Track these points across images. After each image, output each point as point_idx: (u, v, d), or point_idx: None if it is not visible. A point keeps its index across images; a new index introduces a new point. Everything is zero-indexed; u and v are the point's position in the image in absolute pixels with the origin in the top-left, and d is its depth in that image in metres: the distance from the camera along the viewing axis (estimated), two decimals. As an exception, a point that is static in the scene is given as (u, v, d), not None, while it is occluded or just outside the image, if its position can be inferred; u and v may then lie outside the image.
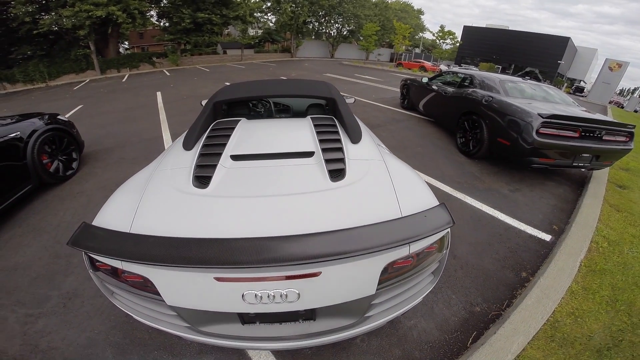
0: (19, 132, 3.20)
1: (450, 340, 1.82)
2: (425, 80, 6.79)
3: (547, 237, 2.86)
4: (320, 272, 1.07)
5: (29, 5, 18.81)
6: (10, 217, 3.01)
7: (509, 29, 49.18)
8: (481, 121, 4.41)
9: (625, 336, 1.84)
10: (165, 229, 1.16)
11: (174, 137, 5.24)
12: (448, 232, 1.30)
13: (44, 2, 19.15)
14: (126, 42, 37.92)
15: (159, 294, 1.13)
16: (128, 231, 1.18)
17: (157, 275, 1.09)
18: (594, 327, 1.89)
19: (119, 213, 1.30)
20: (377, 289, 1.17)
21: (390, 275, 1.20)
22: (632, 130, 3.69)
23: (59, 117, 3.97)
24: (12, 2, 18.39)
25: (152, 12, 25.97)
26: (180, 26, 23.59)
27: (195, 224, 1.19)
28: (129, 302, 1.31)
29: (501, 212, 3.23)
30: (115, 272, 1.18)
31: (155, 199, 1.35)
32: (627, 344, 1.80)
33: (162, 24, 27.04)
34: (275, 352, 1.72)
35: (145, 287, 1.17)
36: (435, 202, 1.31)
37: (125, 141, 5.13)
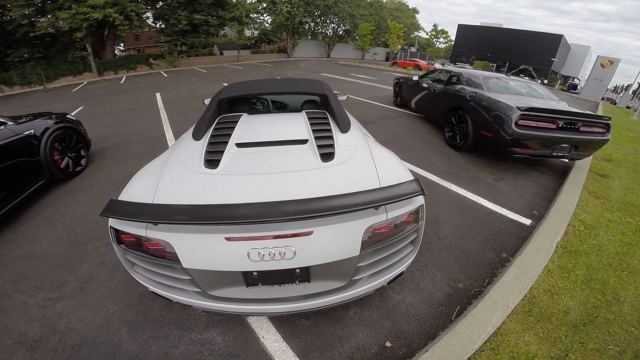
0: (32, 130, 3.37)
1: (436, 313, 1.97)
2: (416, 78, 6.98)
3: (527, 222, 3.05)
4: (312, 232, 1.28)
5: (25, 8, 18.73)
6: (25, 211, 3.17)
7: (503, 27, 48.97)
8: (466, 115, 4.62)
9: (600, 313, 1.97)
10: (183, 200, 1.37)
11: (176, 135, 5.39)
12: (423, 205, 1.51)
13: (40, 4, 19.08)
14: (122, 44, 37.69)
15: (177, 259, 1.31)
16: (151, 202, 1.39)
17: (177, 238, 1.28)
18: (569, 303, 2.02)
19: (142, 190, 1.51)
20: (361, 251, 1.37)
21: (372, 239, 1.40)
22: (608, 122, 3.91)
23: (67, 116, 4.15)
24: (9, 5, 18.31)
25: (148, 14, 25.91)
26: (176, 28, 23.51)
27: (208, 195, 1.41)
28: (147, 272, 1.49)
29: (484, 198, 3.41)
30: (138, 242, 1.36)
31: (172, 178, 1.56)
32: (602, 320, 1.92)
33: (158, 25, 26.95)
34: (276, 324, 1.87)
35: (165, 253, 1.35)
36: (411, 178, 1.52)
37: (130, 139, 5.28)
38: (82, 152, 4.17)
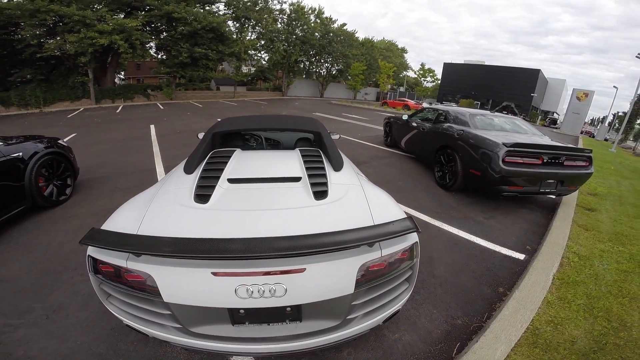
0: (21, 153, 3.30)
1: (435, 351, 1.89)
2: (405, 117, 7.07)
3: (521, 256, 3.07)
4: (305, 269, 1.24)
5: (38, 28, 19.15)
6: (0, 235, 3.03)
7: (485, 64, 51.60)
8: (455, 154, 4.66)
9: (609, 339, 1.96)
10: (169, 233, 1.32)
11: (167, 170, 5.34)
12: (417, 242, 1.50)
13: (52, 25, 19.53)
14: (122, 73, 38.56)
15: (157, 292, 1.24)
16: (136, 233, 1.34)
17: (159, 271, 1.23)
18: (575, 332, 2.00)
19: (126, 220, 1.47)
20: (355, 289, 1.32)
21: (366, 277, 1.36)
22: (590, 154, 4.07)
23: (59, 141, 4.08)
24: (23, 24, 18.71)
25: (151, 44, 26.74)
26: (177, 60, 24.13)
27: (196, 229, 1.37)
28: (123, 304, 1.40)
29: (477, 236, 3.42)
30: (117, 273, 1.29)
31: (160, 210, 1.54)
32: (612, 346, 1.91)
33: (160, 56, 27.79)
34: None
35: (145, 286, 1.27)
36: (404, 216, 1.53)
37: (120, 171, 5.21)
38: (69, 181, 4.04)
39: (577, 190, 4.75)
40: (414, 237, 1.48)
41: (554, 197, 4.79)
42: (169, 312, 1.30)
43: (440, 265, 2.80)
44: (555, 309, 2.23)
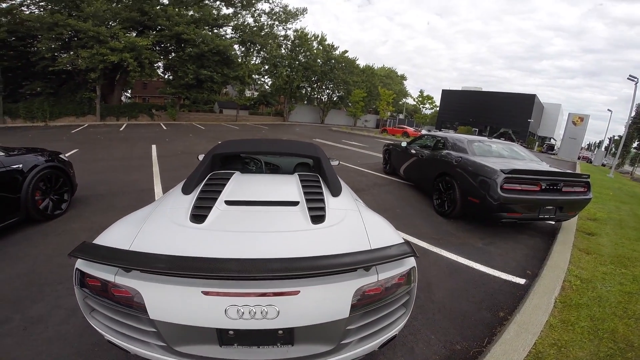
0: (21, 165, 3.30)
1: None
2: (404, 144, 7.07)
3: (522, 281, 3.01)
4: (299, 291, 1.20)
5: (54, 42, 19.72)
6: (-13, 246, 2.97)
7: (482, 90, 52.45)
8: (453, 182, 4.63)
9: None
10: (162, 251, 1.30)
11: (165, 191, 5.31)
12: (414, 267, 1.48)
13: (67, 40, 20.09)
14: (129, 91, 39.33)
15: (144, 308, 1.20)
16: (128, 249, 1.33)
17: (147, 287, 1.20)
18: (580, 354, 1.95)
19: (119, 236, 1.47)
20: (350, 313, 1.28)
21: (362, 302, 1.32)
22: (587, 180, 4.08)
23: (60, 155, 4.09)
24: (40, 37, 19.31)
25: (160, 64, 27.48)
26: (183, 81, 24.55)
27: (190, 248, 1.36)
28: (107, 319, 1.36)
29: (476, 262, 3.36)
30: (104, 288, 1.27)
31: (154, 229, 1.54)
32: None
33: (166, 76, 28.54)
34: None
35: (131, 302, 1.24)
36: (402, 241, 1.52)
37: (118, 190, 5.21)
38: (66, 196, 4.01)
39: (577, 216, 4.73)
40: (411, 262, 1.47)
41: (553, 223, 4.75)
42: (154, 330, 1.26)
43: (439, 291, 2.74)
44: (559, 331, 2.18)
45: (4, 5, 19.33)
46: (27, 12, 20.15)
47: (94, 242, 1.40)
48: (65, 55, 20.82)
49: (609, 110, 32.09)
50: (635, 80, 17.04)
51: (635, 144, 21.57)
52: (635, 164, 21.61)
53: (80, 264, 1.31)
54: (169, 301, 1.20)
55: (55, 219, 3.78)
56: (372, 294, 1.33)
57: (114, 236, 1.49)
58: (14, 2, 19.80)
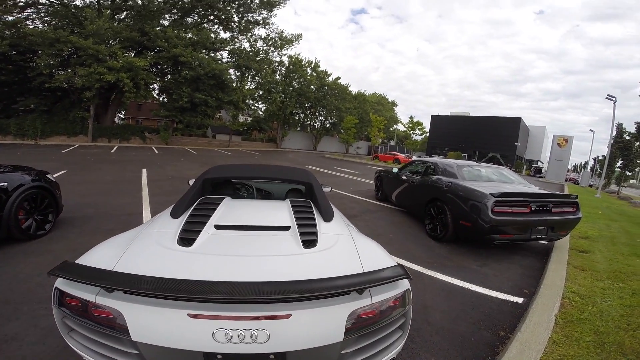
0: (6, 183, 3.22)
1: None
2: (395, 170, 7.07)
3: (519, 300, 2.98)
4: (291, 315, 1.17)
5: (53, 58, 19.72)
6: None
7: (470, 114, 53.64)
8: (445, 207, 4.64)
9: None
10: (147, 273, 1.27)
11: (153, 215, 5.26)
12: (409, 289, 1.46)
13: (66, 57, 20.16)
14: (123, 112, 39.08)
15: (126, 329, 1.15)
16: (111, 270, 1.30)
17: (130, 308, 1.16)
18: None
19: (103, 257, 1.44)
20: (345, 337, 1.24)
21: (357, 325, 1.29)
22: (576, 200, 4.18)
23: (47, 175, 4.01)
24: (40, 52, 19.27)
25: (155, 85, 27.47)
26: (177, 103, 24.23)
27: (176, 271, 1.33)
28: (85, 339, 1.29)
29: (471, 283, 3.32)
30: (84, 308, 1.22)
31: (140, 250, 1.51)
32: None
33: (161, 98, 28.46)
34: None
35: (113, 323, 1.19)
36: (395, 264, 1.51)
37: (105, 213, 5.10)
38: (50, 217, 3.89)
39: (569, 235, 4.79)
40: (405, 284, 1.45)
41: (546, 242, 4.79)
42: (136, 352, 1.19)
43: (436, 313, 2.67)
44: (564, 347, 2.16)
45: (9, 18, 19.63)
46: (31, 27, 20.44)
47: (76, 261, 1.36)
48: (63, 72, 20.88)
49: (591, 130, 33.27)
50: (614, 99, 17.72)
51: (619, 163, 22.10)
52: (620, 183, 22.12)
53: (60, 283, 1.27)
54: (153, 323, 1.16)
55: (38, 239, 3.64)
56: (366, 317, 1.31)
57: (97, 256, 1.45)
58: (20, 15, 20.15)
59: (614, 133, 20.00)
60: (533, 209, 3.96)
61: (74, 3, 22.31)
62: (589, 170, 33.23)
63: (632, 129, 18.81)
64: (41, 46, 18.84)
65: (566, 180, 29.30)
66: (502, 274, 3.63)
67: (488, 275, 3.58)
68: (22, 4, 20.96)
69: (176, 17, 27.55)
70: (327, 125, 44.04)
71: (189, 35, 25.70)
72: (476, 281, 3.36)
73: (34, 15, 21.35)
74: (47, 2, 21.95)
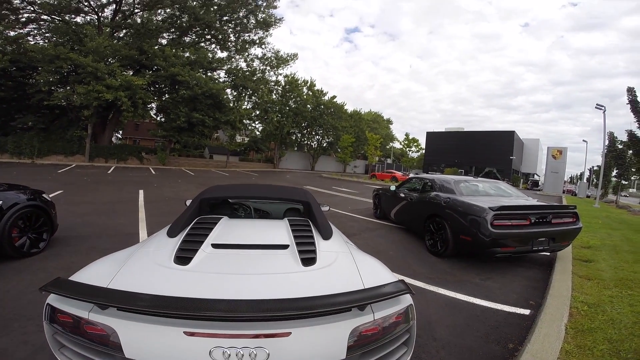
0: (1, 202, 3.20)
1: None
2: (393, 188, 7.07)
3: (526, 312, 2.92)
4: (291, 333, 1.14)
5: (52, 75, 19.81)
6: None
7: (464, 130, 53.88)
8: (444, 222, 4.60)
9: None
10: (143, 290, 1.25)
11: (150, 235, 5.18)
12: (412, 304, 1.44)
13: (65, 74, 20.30)
14: (121, 132, 38.95)
15: (119, 347, 1.12)
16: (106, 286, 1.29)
17: (124, 326, 1.13)
18: None
19: (98, 274, 1.43)
20: (348, 354, 1.21)
21: (360, 342, 1.26)
22: (574, 210, 4.19)
23: (43, 194, 3.99)
24: (40, 69, 19.37)
25: (153, 105, 27.57)
26: (175, 123, 24.35)
27: (172, 289, 1.31)
28: (77, 357, 1.24)
29: (476, 297, 3.26)
30: (76, 324, 1.19)
31: (136, 268, 1.50)
32: None
33: (159, 118, 28.55)
34: None
35: (105, 340, 1.16)
36: (395, 279, 1.49)
37: (101, 232, 5.05)
38: (44, 236, 3.84)
39: (571, 245, 4.76)
40: (407, 299, 1.43)
41: (548, 254, 4.74)
42: None
43: (440, 328, 2.60)
44: (577, 356, 2.10)
45: (11, 33, 19.94)
46: (32, 42, 20.71)
47: (69, 278, 1.34)
48: (61, 89, 21.02)
49: (584, 141, 33.72)
50: (603, 108, 17.96)
51: (614, 172, 22.13)
52: (617, 192, 22.16)
53: (52, 299, 1.25)
54: (148, 341, 1.13)
55: (32, 256, 3.58)
56: (369, 334, 1.28)
57: (92, 273, 1.44)
58: (22, 31, 20.48)
59: (607, 142, 20.19)
60: (533, 220, 3.95)
61: (75, 20, 22.91)
62: (585, 181, 33.36)
63: (624, 137, 19.05)
64: (41, 62, 19.06)
65: (564, 192, 29.33)
66: (506, 287, 3.57)
67: (492, 288, 3.52)
68: (24, 19, 21.51)
69: (174, 36, 28.21)
70: (324, 145, 44.30)
71: (187, 54, 26.08)
72: (480, 295, 3.29)
73: (35, 32, 21.80)
74: (49, 18, 22.48)
